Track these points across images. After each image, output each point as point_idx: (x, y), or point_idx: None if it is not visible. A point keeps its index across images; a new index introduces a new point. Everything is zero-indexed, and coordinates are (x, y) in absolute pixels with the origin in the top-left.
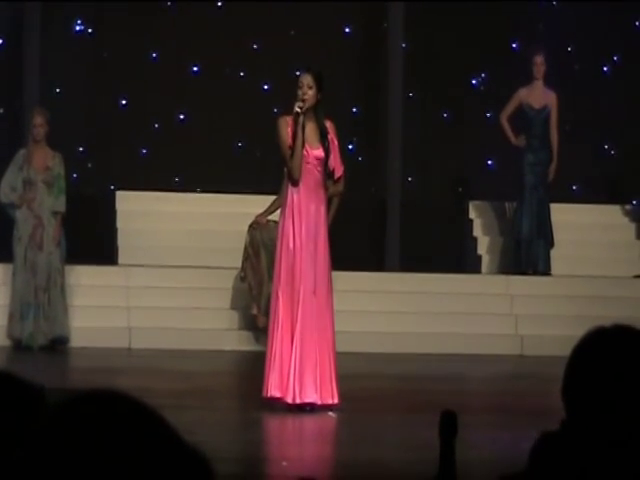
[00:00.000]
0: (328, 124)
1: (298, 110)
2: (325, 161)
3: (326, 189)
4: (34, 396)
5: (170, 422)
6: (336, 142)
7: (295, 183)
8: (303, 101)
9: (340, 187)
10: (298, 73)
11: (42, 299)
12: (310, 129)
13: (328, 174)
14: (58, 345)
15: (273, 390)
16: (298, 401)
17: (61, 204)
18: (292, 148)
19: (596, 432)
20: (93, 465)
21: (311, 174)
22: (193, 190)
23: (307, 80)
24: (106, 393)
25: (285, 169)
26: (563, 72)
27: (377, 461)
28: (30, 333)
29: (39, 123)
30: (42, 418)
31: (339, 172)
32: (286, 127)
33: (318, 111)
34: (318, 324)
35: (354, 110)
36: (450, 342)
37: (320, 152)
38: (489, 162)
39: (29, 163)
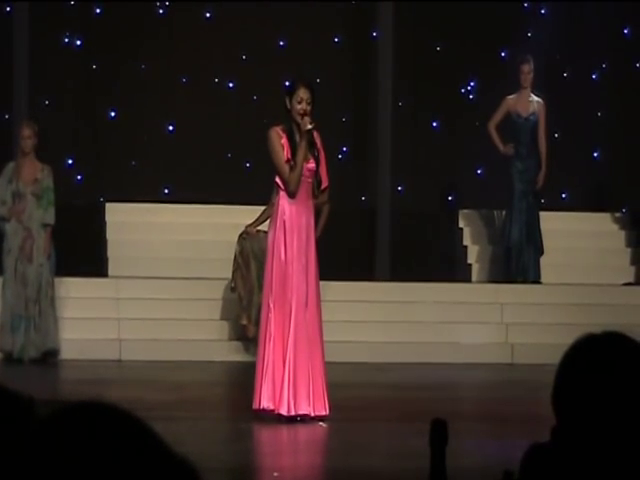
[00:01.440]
0: (314, 134)
1: (310, 127)
2: (316, 172)
3: (314, 199)
4: (23, 408)
5: (159, 433)
6: (322, 152)
7: (293, 195)
8: (307, 115)
9: (325, 197)
10: (288, 83)
11: (32, 311)
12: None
13: (316, 183)
14: (49, 358)
15: (266, 402)
16: (293, 413)
17: (50, 216)
18: (290, 161)
19: (586, 439)
20: (81, 477)
21: (303, 186)
22: (182, 201)
23: (307, 95)
24: (94, 404)
25: (277, 180)
26: (552, 79)
27: (368, 470)
28: (22, 345)
29: (27, 135)
30: (31, 430)
31: (325, 182)
32: (279, 139)
33: None
34: (309, 335)
35: (344, 119)
36: (440, 351)
37: (312, 164)
38: (478, 171)
39: (18, 175)
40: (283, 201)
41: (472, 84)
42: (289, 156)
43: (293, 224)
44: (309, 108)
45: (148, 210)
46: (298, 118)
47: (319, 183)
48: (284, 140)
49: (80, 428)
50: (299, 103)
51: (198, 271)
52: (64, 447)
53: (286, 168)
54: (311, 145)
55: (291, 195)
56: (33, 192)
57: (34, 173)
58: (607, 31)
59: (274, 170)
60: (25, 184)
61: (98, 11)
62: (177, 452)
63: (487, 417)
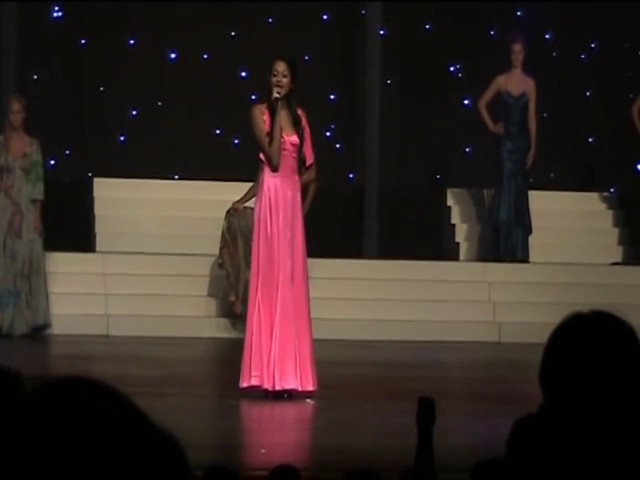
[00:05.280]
0: (300, 112)
1: (277, 96)
2: (300, 147)
3: (300, 176)
4: (10, 382)
5: (144, 409)
6: (308, 130)
7: (275, 169)
8: (279, 87)
9: (312, 175)
10: (271, 60)
11: (21, 287)
12: (284, 116)
13: (301, 161)
14: (39, 332)
15: (253, 380)
16: (278, 388)
17: (39, 192)
18: (270, 135)
19: (574, 417)
20: (64, 451)
21: (287, 160)
22: (170, 177)
23: (282, 67)
24: (78, 380)
25: (262, 156)
26: (541, 59)
27: (355, 448)
28: (10, 321)
29: (17, 109)
30: (15, 405)
31: (310, 160)
32: (261, 115)
33: (291, 99)
34: (296, 311)
35: (332, 97)
36: (428, 329)
37: (295, 138)
38: (467, 149)
39: (6, 150)
40: (267, 177)
41: (461, 62)
42: (269, 130)
43: (278, 199)
44: (285, 80)
45: (136, 186)
46: (273, 90)
47: (303, 161)
48: (266, 116)
49: (64, 404)
50: (274, 76)
51: (186, 247)
52: (47, 423)
53: (267, 142)
54: (296, 122)
55: (274, 169)
56: (22, 167)
57: (23, 147)
58: (595, 11)
59: (257, 147)
60: (14, 158)
61: None
62: (163, 428)
63: (474, 396)
